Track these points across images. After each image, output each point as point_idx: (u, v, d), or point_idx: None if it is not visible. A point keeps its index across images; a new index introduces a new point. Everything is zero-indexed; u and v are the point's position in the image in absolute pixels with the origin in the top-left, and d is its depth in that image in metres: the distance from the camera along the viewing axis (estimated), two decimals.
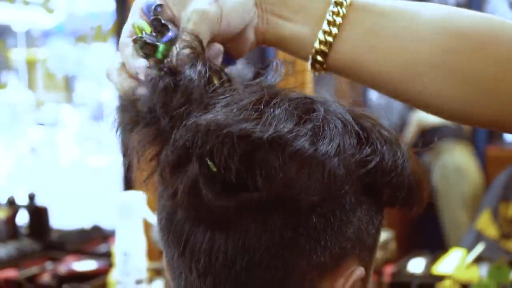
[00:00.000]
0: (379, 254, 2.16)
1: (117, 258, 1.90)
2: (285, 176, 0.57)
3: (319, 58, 0.67)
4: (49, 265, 2.45)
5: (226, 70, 0.65)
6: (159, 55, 0.64)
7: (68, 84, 13.91)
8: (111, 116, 0.63)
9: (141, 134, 0.61)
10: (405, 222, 3.66)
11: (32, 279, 2.33)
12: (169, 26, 0.66)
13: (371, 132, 0.63)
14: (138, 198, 1.90)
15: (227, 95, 0.61)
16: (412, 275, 2.29)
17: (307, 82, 1.87)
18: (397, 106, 4.84)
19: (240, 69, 0.70)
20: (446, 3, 4.64)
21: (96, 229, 2.92)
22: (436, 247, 2.84)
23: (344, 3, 0.67)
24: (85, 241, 2.80)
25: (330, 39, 0.66)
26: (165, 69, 0.61)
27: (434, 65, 0.65)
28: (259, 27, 0.68)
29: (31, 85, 13.29)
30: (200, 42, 0.63)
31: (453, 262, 2.36)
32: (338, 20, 0.66)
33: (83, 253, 2.65)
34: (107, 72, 0.66)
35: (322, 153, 0.58)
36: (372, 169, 0.61)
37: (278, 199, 0.58)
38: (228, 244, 0.60)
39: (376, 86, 0.69)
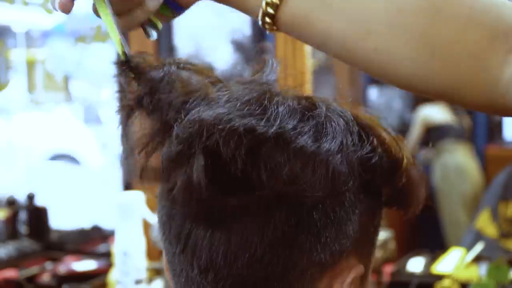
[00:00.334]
0: (378, 254, 2.16)
1: (117, 258, 1.90)
2: (289, 171, 0.57)
3: (270, 10, 0.65)
4: (49, 265, 2.45)
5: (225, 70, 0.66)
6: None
7: (68, 85, 13.90)
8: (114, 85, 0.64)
9: (141, 126, 0.61)
10: (404, 222, 3.66)
11: (32, 279, 2.33)
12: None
13: (371, 130, 0.63)
14: (138, 198, 1.90)
15: (228, 91, 0.62)
16: (412, 275, 2.29)
17: (306, 82, 1.87)
18: (396, 106, 4.84)
19: (236, 67, 0.70)
20: None
21: (95, 229, 2.92)
22: (435, 246, 2.84)
23: None
24: (84, 241, 2.80)
25: None
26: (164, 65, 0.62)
27: (389, 24, 0.63)
28: None
29: (30, 86, 13.29)
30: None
31: (452, 262, 2.36)
32: None
33: (83, 253, 2.65)
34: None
35: (326, 150, 0.59)
36: (372, 166, 0.62)
37: (282, 195, 0.58)
38: (230, 240, 0.60)
39: (326, 46, 0.67)
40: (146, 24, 0.70)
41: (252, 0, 0.66)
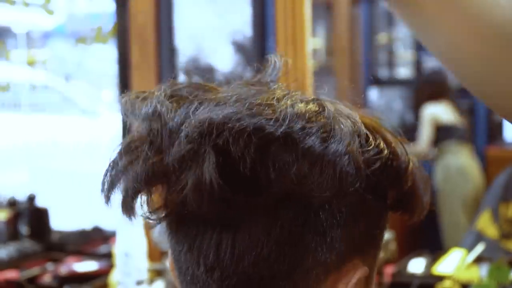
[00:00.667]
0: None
1: (118, 258, 1.90)
2: (298, 171, 0.58)
3: None
4: (50, 266, 2.45)
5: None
6: None
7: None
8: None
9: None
10: (405, 223, 3.66)
11: (33, 280, 2.34)
12: None
13: (378, 133, 0.64)
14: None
15: (235, 91, 0.62)
16: (412, 276, 2.29)
17: (307, 83, 1.88)
18: (396, 106, 4.84)
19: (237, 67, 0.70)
20: None
21: (96, 230, 2.92)
22: (436, 247, 2.84)
23: None
24: (85, 242, 2.81)
25: None
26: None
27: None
28: None
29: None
30: None
31: (453, 263, 2.36)
32: None
33: (84, 254, 2.65)
34: None
35: (333, 150, 0.59)
36: (378, 169, 0.62)
37: (289, 194, 0.59)
38: (237, 239, 0.60)
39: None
40: None
41: None
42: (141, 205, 0.63)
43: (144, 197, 0.62)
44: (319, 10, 4.42)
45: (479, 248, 2.40)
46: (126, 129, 0.65)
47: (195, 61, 2.41)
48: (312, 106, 0.62)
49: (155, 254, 2.09)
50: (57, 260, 2.53)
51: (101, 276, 2.27)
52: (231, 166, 0.58)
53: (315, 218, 0.61)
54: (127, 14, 2.45)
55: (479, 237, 3.07)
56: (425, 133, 4.06)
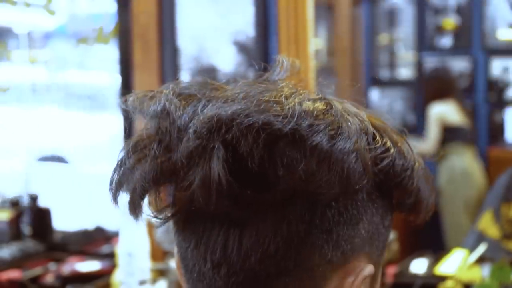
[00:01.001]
0: None
1: (121, 258, 1.91)
2: (305, 168, 0.58)
3: None
4: (52, 266, 2.46)
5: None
6: None
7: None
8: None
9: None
10: (407, 223, 3.66)
11: (35, 280, 2.34)
12: None
13: (384, 132, 0.64)
14: None
15: (243, 89, 0.62)
16: (415, 276, 2.29)
17: (309, 82, 1.88)
18: (398, 107, 4.84)
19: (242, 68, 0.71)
20: (446, 4, 4.65)
21: (99, 230, 2.92)
22: (438, 248, 2.84)
23: None
24: (88, 242, 2.81)
25: None
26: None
27: None
28: None
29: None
30: None
31: (455, 263, 2.36)
32: None
33: (86, 254, 2.66)
34: None
35: (340, 148, 0.59)
36: (385, 167, 0.62)
37: (297, 191, 0.59)
38: (244, 235, 0.61)
39: None
40: None
41: None
42: (149, 204, 0.63)
43: (151, 197, 0.63)
44: (321, 11, 4.42)
45: (481, 249, 2.40)
46: (128, 129, 0.65)
47: (197, 61, 2.42)
48: (319, 104, 0.62)
49: (158, 254, 2.09)
50: (59, 260, 2.53)
51: (103, 276, 2.27)
52: (239, 162, 0.58)
53: (321, 216, 0.61)
54: (129, 14, 2.46)
55: (481, 237, 3.07)
56: (432, 133, 4.04)
